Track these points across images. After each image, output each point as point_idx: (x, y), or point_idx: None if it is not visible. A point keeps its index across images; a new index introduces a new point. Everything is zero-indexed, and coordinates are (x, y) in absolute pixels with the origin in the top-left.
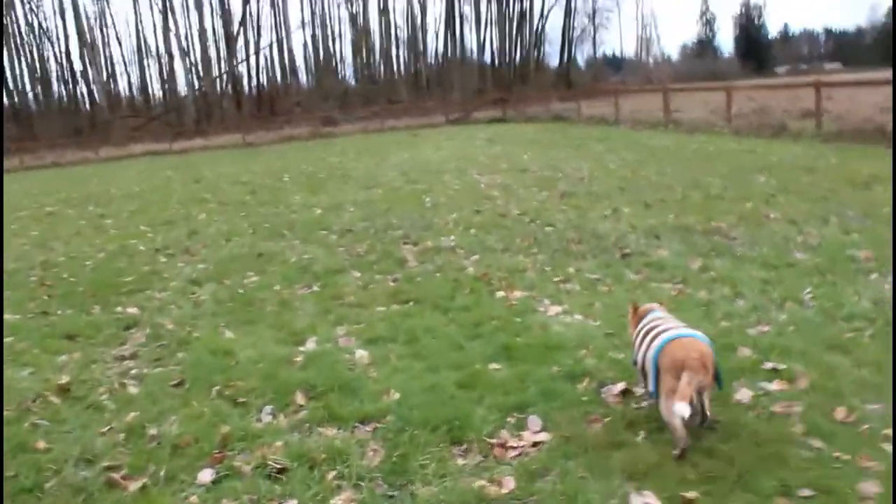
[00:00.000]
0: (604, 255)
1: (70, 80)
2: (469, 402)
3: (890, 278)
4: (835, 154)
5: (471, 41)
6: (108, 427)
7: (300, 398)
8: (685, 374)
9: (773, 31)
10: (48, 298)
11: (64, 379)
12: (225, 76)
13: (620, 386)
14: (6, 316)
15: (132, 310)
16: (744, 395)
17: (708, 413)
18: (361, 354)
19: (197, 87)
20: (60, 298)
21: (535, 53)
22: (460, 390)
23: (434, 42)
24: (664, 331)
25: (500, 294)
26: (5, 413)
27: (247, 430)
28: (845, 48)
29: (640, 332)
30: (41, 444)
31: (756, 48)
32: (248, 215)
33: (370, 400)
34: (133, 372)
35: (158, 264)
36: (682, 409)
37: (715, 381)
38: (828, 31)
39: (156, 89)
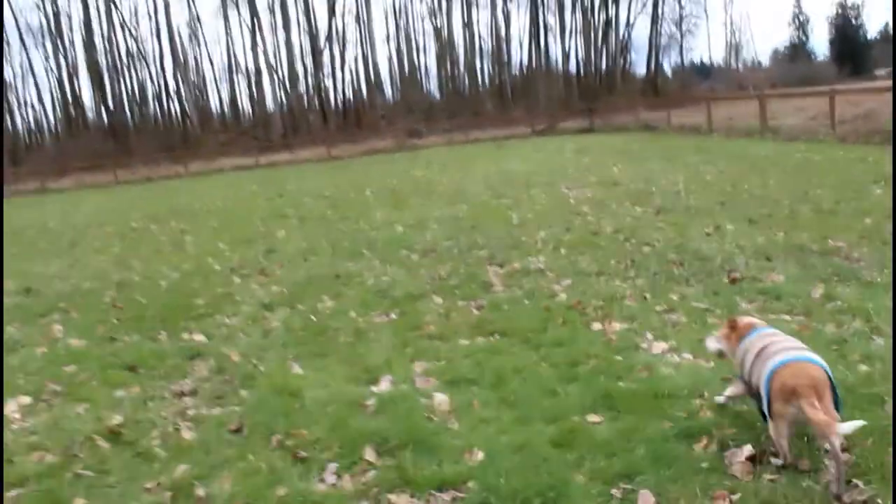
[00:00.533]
0: (710, 279)
1: (164, 97)
2: (566, 466)
3: None
4: None
5: (555, 51)
6: (156, 482)
7: (370, 454)
8: (804, 401)
9: (872, 31)
10: (118, 322)
11: (116, 419)
12: (311, 91)
13: (748, 450)
14: (73, 341)
15: (199, 337)
16: None
17: (835, 446)
18: (441, 399)
19: (284, 101)
20: (129, 322)
21: (622, 62)
22: (555, 450)
23: (518, 53)
24: (777, 352)
25: (597, 326)
26: (49, 459)
27: (306, 495)
28: None
29: (746, 351)
30: (80, 502)
31: (853, 50)
32: (329, 232)
33: (449, 460)
34: (191, 413)
35: (233, 285)
36: (846, 428)
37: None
38: None
39: (245, 105)
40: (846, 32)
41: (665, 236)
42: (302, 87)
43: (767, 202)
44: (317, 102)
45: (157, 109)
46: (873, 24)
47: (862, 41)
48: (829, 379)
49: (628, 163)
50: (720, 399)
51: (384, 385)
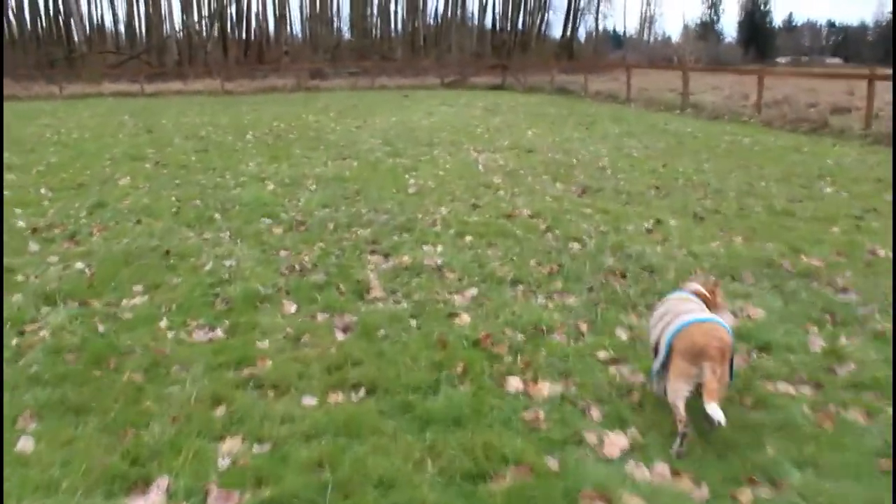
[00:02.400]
0: None
1: (48, 10)
2: None
3: None
4: None
5: (472, 3)
6: None
7: None
8: (707, 365)
9: (777, 19)
10: None
11: None
12: (212, 18)
13: None
14: None
15: None
16: None
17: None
18: None
19: (181, 27)
20: None
21: (539, 21)
22: None
23: (434, 1)
24: (684, 312)
25: (514, 385)
26: None
27: None
28: (848, 43)
29: (661, 308)
30: None
31: (760, 36)
32: (183, 185)
33: None
34: None
35: (23, 255)
36: (718, 415)
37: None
38: (831, 24)
39: (142, 28)
40: (754, 17)
41: (596, 229)
42: (203, 13)
43: (709, 192)
44: (217, 31)
45: (40, 22)
46: (779, 12)
47: (768, 27)
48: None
49: (545, 127)
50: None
51: (152, 500)
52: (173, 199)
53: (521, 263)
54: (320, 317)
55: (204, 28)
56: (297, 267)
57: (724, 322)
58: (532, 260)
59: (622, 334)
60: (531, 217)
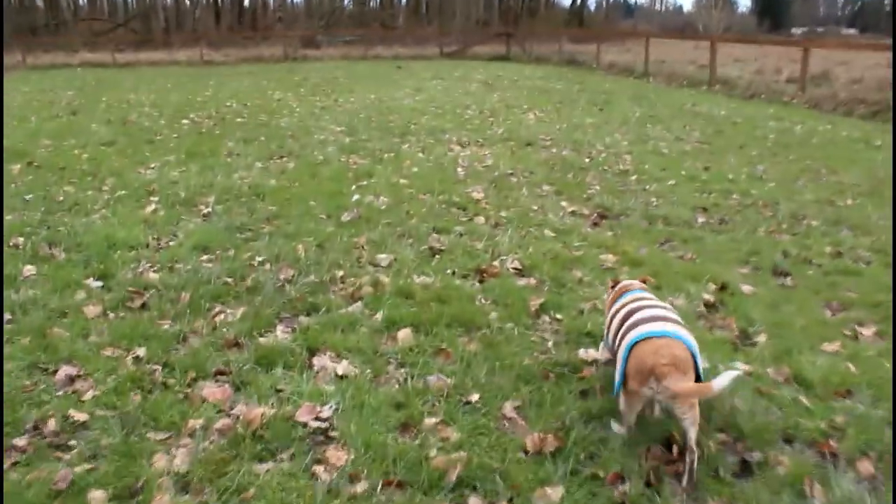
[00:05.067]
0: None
1: None
2: None
3: None
4: None
5: None
6: None
7: None
8: (666, 381)
9: None
10: None
11: None
12: None
13: None
14: None
15: None
16: None
17: (691, 438)
18: None
19: None
20: None
21: None
22: None
23: None
24: (640, 322)
25: None
26: None
27: None
28: (866, 13)
29: (614, 315)
30: None
31: (775, 5)
32: (29, 205)
33: None
34: None
35: None
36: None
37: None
38: None
39: None
40: None
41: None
42: None
43: (781, 218)
44: None
45: None
46: None
47: None
48: (694, 357)
49: (551, 109)
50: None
51: None
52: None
53: (490, 406)
54: None
55: None
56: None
57: (680, 333)
58: (508, 403)
59: None
60: (518, 273)
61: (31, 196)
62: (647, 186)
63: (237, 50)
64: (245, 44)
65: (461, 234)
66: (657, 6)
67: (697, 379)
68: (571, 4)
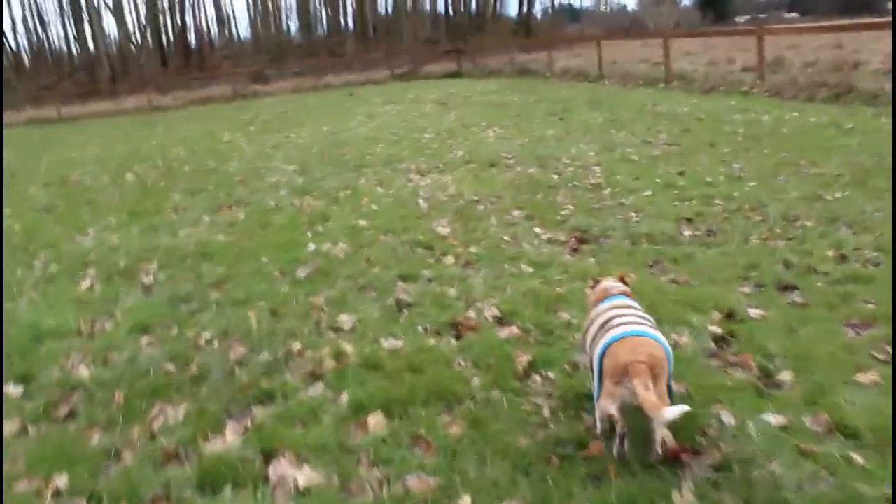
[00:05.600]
0: None
1: None
2: None
3: None
4: None
5: None
6: None
7: None
8: (636, 382)
9: None
10: None
11: None
12: (144, 27)
13: None
14: None
15: None
16: None
17: (657, 442)
18: None
19: (114, 40)
20: None
21: (493, 1)
22: None
23: None
24: (616, 326)
25: None
26: None
27: None
28: None
29: (592, 320)
30: None
31: None
32: None
33: None
34: None
35: None
36: (672, 412)
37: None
38: None
39: (69, 45)
40: None
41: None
42: (133, 23)
43: (772, 223)
44: (151, 41)
45: None
46: None
47: None
48: (668, 360)
49: (509, 123)
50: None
51: None
52: None
53: None
54: None
55: (137, 38)
56: None
57: (657, 335)
58: None
59: None
60: (498, 322)
61: None
62: (624, 200)
63: (186, 92)
64: (193, 85)
65: (430, 280)
66: (602, 7)
67: (668, 385)
68: (518, 14)
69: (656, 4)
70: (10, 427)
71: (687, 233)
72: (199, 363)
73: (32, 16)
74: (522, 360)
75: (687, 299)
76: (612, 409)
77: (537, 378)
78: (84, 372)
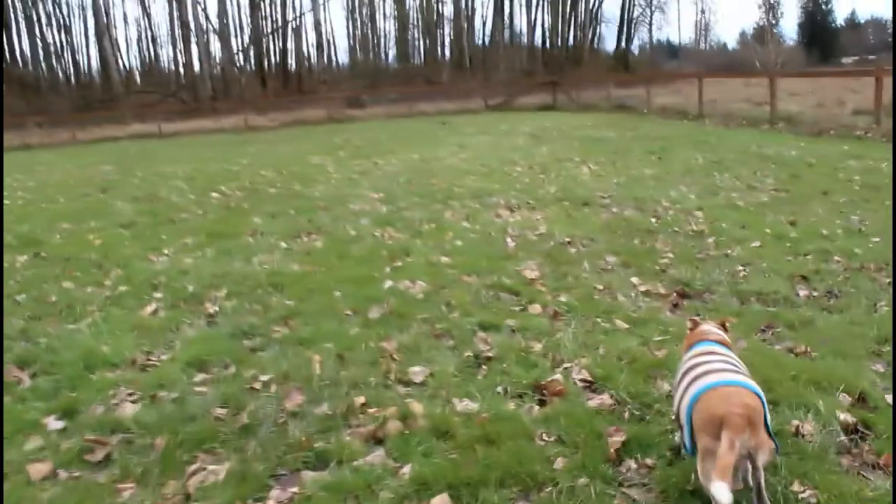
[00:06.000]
0: None
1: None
2: None
3: None
4: None
5: (520, 22)
6: None
7: None
8: (725, 434)
9: (839, 18)
10: None
11: None
12: (246, 50)
13: None
14: None
15: None
16: None
17: (762, 485)
18: None
19: (217, 61)
20: None
21: (591, 34)
22: None
23: (482, 20)
24: (705, 374)
25: None
26: None
27: None
28: None
29: (681, 368)
30: None
31: (823, 36)
32: None
33: None
34: None
35: None
36: (721, 494)
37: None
38: None
39: (177, 64)
40: (815, 17)
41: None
42: (235, 47)
43: None
44: (253, 63)
45: (71, 66)
46: (841, 10)
47: (831, 27)
48: (763, 406)
49: (605, 160)
50: None
51: None
52: None
53: None
54: None
55: (240, 60)
56: None
57: (750, 383)
58: None
59: None
60: (587, 387)
61: (22, 296)
62: (729, 251)
63: (282, 114)
64: (290, 107)
65: (513, 331)
66: (701, 45)
67: (770, 436)
68: (615, 49)
69: (761, 43)
70: (39, 470)
71: (803, 293)
72: (251, 411)
73: (146, 37)
74: (615, 439)
75: (809, 376)
76: (726, 498)
77: (632, 464)
78: (129, 410)
